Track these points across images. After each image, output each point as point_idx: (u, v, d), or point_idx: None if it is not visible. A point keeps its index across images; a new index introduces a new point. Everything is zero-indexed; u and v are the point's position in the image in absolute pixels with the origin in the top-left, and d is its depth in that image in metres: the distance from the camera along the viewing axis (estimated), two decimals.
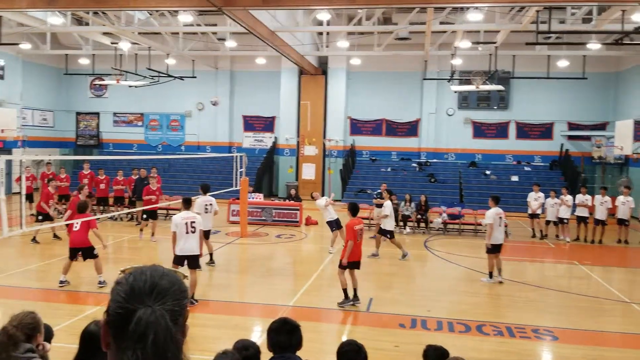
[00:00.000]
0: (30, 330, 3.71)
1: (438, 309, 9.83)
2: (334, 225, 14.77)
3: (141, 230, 16.15)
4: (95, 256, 10.65)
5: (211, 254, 12.85)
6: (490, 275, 11.92)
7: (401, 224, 18.65)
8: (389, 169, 27.14)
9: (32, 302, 9.43)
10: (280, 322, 3.81)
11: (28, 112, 28.06)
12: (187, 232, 9.67)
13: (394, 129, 28.22)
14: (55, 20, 20.28)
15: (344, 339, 8.39)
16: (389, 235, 14.01)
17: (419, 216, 18.70)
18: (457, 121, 27.75)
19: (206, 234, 12.45)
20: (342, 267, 9.84)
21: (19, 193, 15.43)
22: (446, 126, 27.81)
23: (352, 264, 9.87)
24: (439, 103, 27.68)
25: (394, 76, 27.58)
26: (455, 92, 25.26)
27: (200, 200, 12.70)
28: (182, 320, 1.40)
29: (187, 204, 10.28)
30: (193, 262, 9.79)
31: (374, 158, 28.16)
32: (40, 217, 14.78)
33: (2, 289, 10.35)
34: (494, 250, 11.84)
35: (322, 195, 15.01)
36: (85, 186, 14.40)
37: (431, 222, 18.70)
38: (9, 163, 19.81)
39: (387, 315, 9.53)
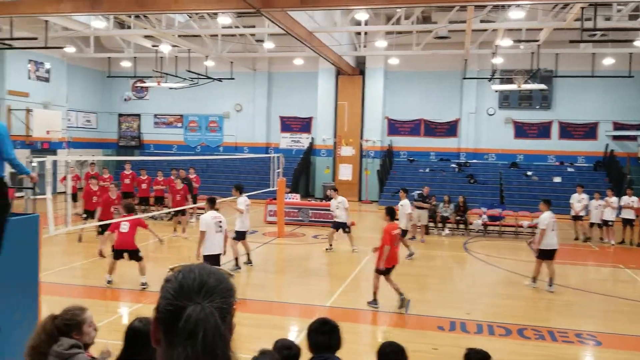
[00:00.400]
0: (66, 327, 3.74)
1: (478, 312, 9.66)
2: (338, 225, 14.76)
3: (175, 230, 16.61)
4: (140, 258, 10.65)
5: (248, 254, 12.90)
6: (534, 279, 11.52)
7: (440, 225, 18.43)
8: (427, 170, 26.84)
9: (75, 298, 9.65)
10: (319, 323, 3.79)
11: (72, 114, 28.83)
12: (216, 232, 9.78)
13: (432, 129, 27.90)
14: (99, 24, 20.76)
15: (382, 340, 8.34)
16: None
17: (458, 217, 18.42)
18: (497, 121, 27.26)
19: (242, 235, 12.51)
20: (378, 271, 9.69)
21: (64, 193, 15.87)
22: (486, 126, 27.35)
23: (388, 269, 9.71)
24: (479, 103, 27.25)
25: (433, 75, 27.28)
26: (496, 91, 24.83)
27: (242, 200, 12.73)
28: (230, 318, 1.42)
29: (212, 203, 10.35)
30: (217, 261, 9.91)
31: (412, 159, 27.91)
32: (84, 216, 15.17)
33: (48, 285, 10.62)
34: (546, 255, 11.29)
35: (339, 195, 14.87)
36: (113, 185, 15.03)
37: (470, 223, 18.39)
38: (54, 163, 20.36)
39: (425, 317, 9.41)
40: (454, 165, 26.88)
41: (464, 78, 26.38)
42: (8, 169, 6.17)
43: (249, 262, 12.82)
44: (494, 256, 14.90)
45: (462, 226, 18.48)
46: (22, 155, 6.90)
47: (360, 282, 12.21)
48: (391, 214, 9.99)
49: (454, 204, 18.56)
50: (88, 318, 3.86)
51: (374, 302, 9.74)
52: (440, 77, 27.28)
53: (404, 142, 28.19)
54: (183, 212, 16.65)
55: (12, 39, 19.31)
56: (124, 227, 10.47)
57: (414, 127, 28.13)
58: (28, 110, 24.77)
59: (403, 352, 3.88)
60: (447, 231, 18.34)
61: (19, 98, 24.71)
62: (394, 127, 28.33)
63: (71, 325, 3.74)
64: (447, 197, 18.58)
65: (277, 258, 14.25)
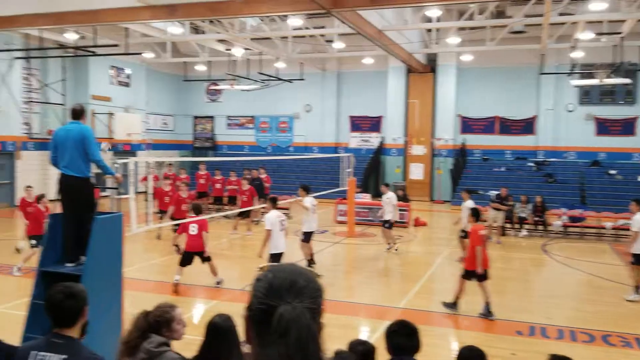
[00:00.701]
0: (157, 323, 3.87)
1: (559, 317, 9.26)
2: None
3: (235, 227, 17.04)
4: (209, 259, 10.64)
5: (312, 255, 12.77)
6: (637, 289, 10.43)
7: (517, 226, 17.84)
8: (502, 169, 26.05)
9: (154, 294, 10.02)
10: (399, 324, 3.75)
11: (151, 117, 30.00)
12: (280, 230, 9.86)
13: (507, 126, 27.05)
14: (175, 30, 21.50)
15: (457, 344, 8.15)
16: (462, 234, 13.66)
17: (536, 218, 17.76)
18: (577, 118, 26.09)
19: (309, 236, 12.27)
20: (465, 277, 9.28)
21: (144, 192, 16.53)
22: (565, 123, 26.22)
23: (470, 273, 9.27)
24: (557, 99, 26.18)
25: (508, 71, 26.45)
26: (576, 86, 23.77)
27: (309, 200, 12.52)
28: (319, 318, 1.44)
29: (275, 202, 10.40)
30: (280, 260, 9.97)
31: (486, 157, 27.17)
32: (160, 215, 15.74)
33: (130, 281, 11.07)
34: None
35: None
36: (184, 184, 15.39)
37: (549, 224, 17.68)
38: (135, 165, 21.24)
39: (503, 321, 9.11)
40: (531, 164, 25.94)
41: (541, 73, 25.37)
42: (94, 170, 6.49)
43: (311, 263, 12.74)
44: (575, 259, 14.26)
45: (540, 227, 17.81)
46: (105, 157, 7.23)
47: (434, 284, 12.02)
48: (476, 214, 9.66)
49: (532, 204, 17.92)
50: (177, 315, 3.99)
51: (452, 305, 9.38)
52: (516, 73, 26.40)
53: (477, 140, 27.49)
54: (247, 214, 16.93)
55: (95, 46, 20.31)
56: (193, 230, 10.42)
57: (488, 125, 27.37)
58: (110, 114, 26.00)
59: (484, 357, 3.76)
60: (524, 232, 17.73)
61: (101, 102, 25.97)
62: (467, 125, 27.67)
63: (162, 322, 3.87)
64: (524, 197, 17.96)
65: (347, 258, 14.24)
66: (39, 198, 12.09)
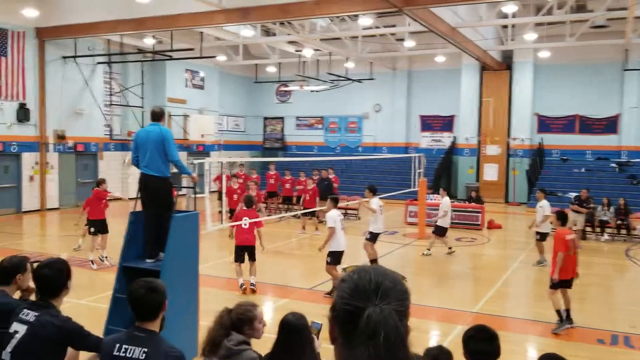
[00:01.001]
0: (239, 321, 3.95)
1: (635, 325, 8.74)
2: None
3: (303, 227, 17.24)
4: (255, 258, 10.41)
5: (376, 259, 12.60)
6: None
7: (598, 230, 17.02)
8: (582, 170, 24.90)
9: (226, 291, 10.25)
10: (478, 330, 3.64)
11: (223, 119, 30.75)
12: (341, 229, 9.87)
13: (588, 125, 25.84)
14: (247, 32, 21.95)
15: (534, 351, 7.85)
16: (538, 237, 13.18)
17: (619, 222, 16.88)
18: None
19: (376, 237, 11.90)
20: (554, 286, 8.55)
21: (216, 192, 16.97)
22: None
23: (563, 281, 8.55)
24: None
25: (589, 68, 25.26)
26: None
27: (375, 202, 11.96)
28: (405, 321, 1.42)
29: (336, 202, 10.30)
30: (340, 258, 9.98)
31: (565, 157, 26.05)
32: (229, 214, 16.07)
33: (205, 278, 11.38)
34: None
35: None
36: (253, 182, 15.67)
37: (634, 228, 16.75)
38: (209, 165, 21.87)
39: (583, 329, 8.70)
40: (613, 165, 24.65)
41: (625, 70, 24.16)
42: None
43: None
44: None
45: (623, 231, 16.91)
46: (182, 157, 7.48)
47: (509, 288, 11.66)
48: (562, 218, 9.00)
49: (614, 207, 17.03)
50: (259, 314, 4.06)
51: (560, 324, 8.47)
52: (597, 70, 25.18)
53: (556, 140, 26.41)
54: (314, 214, 17.04)
55: (172, 50, 21.06)
56: (245, 224, 10.20)
57: (567, 124, 26.25)
58: (185, 116, 26.86)
59: None
60: (606, 236, 16.88)
61: (177, 105, 26.89)
62: (545, 124, 26.65)
63: (244, 320, 3.95)
64: (606, 200, 17.10)
65: (418, 260, 14.02)
66: (98, 183, 12.71)
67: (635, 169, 24.15)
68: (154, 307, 3.27)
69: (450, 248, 14.21)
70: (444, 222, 14.18)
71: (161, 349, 3.19)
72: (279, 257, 13.73)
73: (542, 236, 13.14)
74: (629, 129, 25.01)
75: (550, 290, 8.61)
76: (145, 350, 3.16)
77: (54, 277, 3.58)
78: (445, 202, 14.34)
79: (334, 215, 9.93)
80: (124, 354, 3.18)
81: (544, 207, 13.13)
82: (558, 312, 8.51)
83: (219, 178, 17.10)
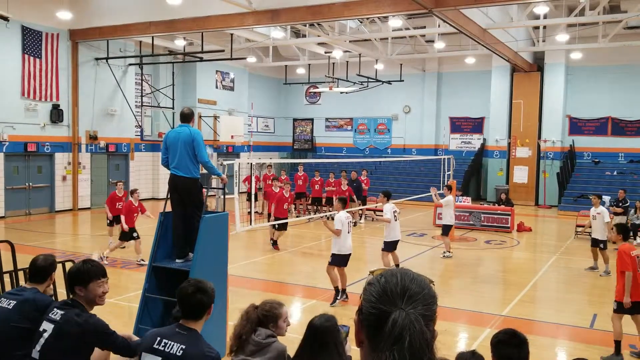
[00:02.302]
0: (264, 317, 4.02)
1: None
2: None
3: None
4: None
5: (397, 265, 12.51)
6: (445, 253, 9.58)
7: (631, 234, 16.64)
8: (615, 173, 24.40)
9: (254, 291, 10.32)
10: (508, 334, 3.60)
11: (253, 120, 30.99)
12: (348, 232, 9.72)
13: (621, 127, 25.29)
14: (277, 34, 22.07)
15: (564, 356, 7.72)
16: (602, 245, 12.57)
17: None
18: None
19: (391, 245, 11.49)
20: (619, 310, 7.41)
21: (245, 192, 17.09)
22: None
23: (636, 305, 7.34)
24: None
25: (622, 69, 24.72)
26: None
27: (389, 208, 11.57)
28: (432, 325, 1.42)
29: (344, 203, 10.18)
30: (345, 262, 9.83)
31: (597, 160, 25.55)
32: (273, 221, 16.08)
33: (233, 278, 11.49)
34: None
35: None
36: (288, 184, 15.47)
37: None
38: (238, 165, 22.05)
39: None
40: None
41: None
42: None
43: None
44: None
45: None
46: (211, 158, 7.55)
47: (539, 292, 11.50)
48: (624, 232, 8.02)
49: None
50: (284, 313, 4.12)
51: (616, 357, 7.42)
52: (631, 71, 24.62)
53: (587, 142, 25.92)
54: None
55: (202, 52, 21.30)
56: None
57: (599, 126, 25.73)
58: (215, 117, 27.14)
59: None
60: (638, 240, 16.51)
61: (207, 106, 27.19)
62: (577, 126, 26.18)
63: (270, 316, 4.03)
64: (639, 203, 16.72)
65: (446, 262, 13.90)
66: (131, 193, 13.05)
67: None
68: (199, 307, 3.35)
69: (448, 251, 13.91)
70: (447, 220, 13.92)
71: (199, 348, 3.26)
72: (308, 257, 13.78)
73: (604, 244, 12.59)
74: None
75: (614, 314, 7.50)
76: (183, 347, 3.24)
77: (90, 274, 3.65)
78: (446, 200, 14.07)
79: (341, 217, 9.67)
80: (162, 348, 3.27)
81: (603, 213, 12.72)
82: (617, 343, 7.41)
83: (248, 179, 17.22)
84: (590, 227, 13.19)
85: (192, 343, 3.27)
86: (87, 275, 3.58)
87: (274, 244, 14.38)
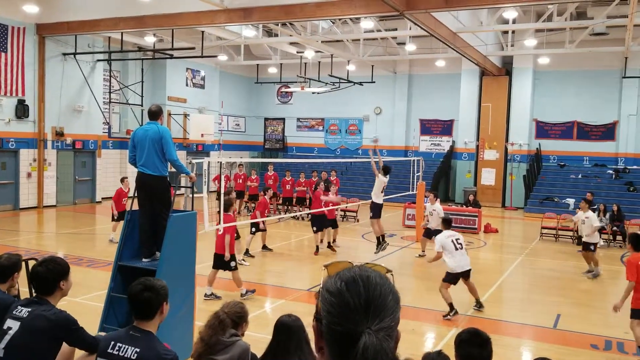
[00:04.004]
0: (238, 319, 4.04)
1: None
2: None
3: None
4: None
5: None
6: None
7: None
8: (579, 176, 24.98)
9: (222, 291, 10.25)
10: (471, 333, 3.64)
11: (223, 118, 30.76)
12: (456, 249, 9.48)
13: (586, 132, 25.91)
14: (249, 32, 21.97)
15: (528, 355, 7.87)
16: (592, 248, 12.81)
17: (614, 228, 16.91)
18: None
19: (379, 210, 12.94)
20: (633, 316, 7.60)
21: (215, 191, 16.96)
22: None
23: (635, 312, 7.61)
24: None
25: (588, 75, 25.34)
26: None
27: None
28: (396, 332, 1.37)
29: (447, 224, 10.12)
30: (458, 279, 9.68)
31: (562, 163, 26.13)
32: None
33: (201, 277, 11.38)
34: None
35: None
36: (270, 188, 15.20)
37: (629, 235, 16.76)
38: (208, 164, 21.87)
39: (577, 334, 8.75)
40: (610, 172, 24.73)
41: (624, 77, 24.25)
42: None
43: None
44: None
45: (618, 237, 16.95)
46: (180, 156, 7.48)
47: (504, 293, 11.69)
48: (636, 242, 7.81)
49: (609, 213, 17.08)
50: (248, 311, 4.20)
51: None
52: (596, 77, 25.26)
53: (553, 146, 26.49)
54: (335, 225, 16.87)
55: (172, 49, 21.07)
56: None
57: (565, 130, 26.32)
58: (185, 115, 26.88)
59: None
60: (601, 242, 16.89)
61: (177, 104, 26.91)
62: (543, 130, 26.73)
63: (242, 317, 4.07)
64: (602, 206, 17.15)
65: (415, 262, 14.04)
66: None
67: (632, 176, 24.23)
68: (147, 305, 3.27)
69: (422, 252, 14.23)
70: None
71: (154, 351, 3.18)
72: (277, 257, 13.75)
73: (594, 247, 12.82)
74: (627, 136, 25.08)
75: (632, 320, 7.63)
76: (138, 350, 3.16)
77: (49, 275, 3.60)
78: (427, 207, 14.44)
79: (440, 239, 9.64)
80: (117, 352, 3.19)
81: (591, 218, 12.91)
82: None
83: (217, 178, 17.08)
84: (577, 230, 13.34)
85: (147, 345, 3.19)
86: (68, 268, 3.72)
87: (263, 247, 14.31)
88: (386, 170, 13.69)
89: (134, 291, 3.29)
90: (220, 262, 9.63)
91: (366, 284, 1.35)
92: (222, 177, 14.11)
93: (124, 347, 3.19)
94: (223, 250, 9.60)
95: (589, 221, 12.88)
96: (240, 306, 4.14)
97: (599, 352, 8.02)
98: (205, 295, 9.58)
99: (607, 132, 25.59)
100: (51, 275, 3.59)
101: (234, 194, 13.21)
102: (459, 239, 9.50)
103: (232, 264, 9.63)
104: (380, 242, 13.52)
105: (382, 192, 13.60)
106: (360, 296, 1.33)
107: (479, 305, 9.62)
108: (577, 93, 25.82)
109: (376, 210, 13.54)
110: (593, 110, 25.62)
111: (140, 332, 3.25)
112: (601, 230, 16.92)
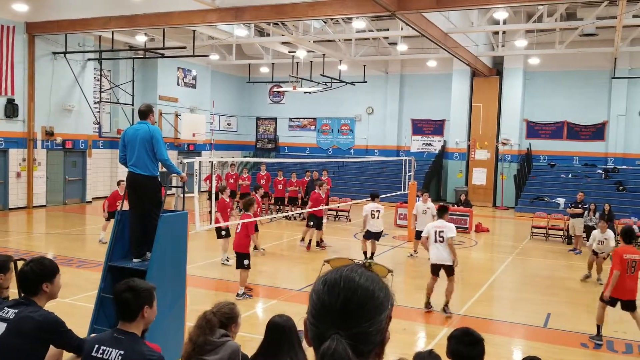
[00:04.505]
0: (227, 320, 4.02)
1: (628, 330, 8.82)
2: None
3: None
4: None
5: (373, 254, 13.12)
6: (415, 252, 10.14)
7: (584, 234, 17.14)
8: (569, 176, 25.14)
9: (214, 292, 10.23)
10: (462, 332, 3.67)
11: (215, 118, 30.70)
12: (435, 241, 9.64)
13: (576, 132, 26.08)
14: (241, 32, 21.93)
15: (519, 354, 7.91)
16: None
17: None
18: None
19: (377, 236, 12.89)
20: (602, 300, 8.31)
21: (206, 191, 16.92)
22: (638, 129, 25.03)
23: (614, 300, 8.20)
24: (630, 104, 25.01)
25: (578, 75, 25.50)
26: None
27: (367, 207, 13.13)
28: (379, 336, 1.34)
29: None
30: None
31: (552, 163, 26.29)
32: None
33: (192, 278, 11.35)
34: None
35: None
36: (261, 187, 15.19)
37: (618, 234, 16.86)
38: (200, 164, 21.79)
39: (568, 332, 8.81)
40: (600, 171, 24.91)
41: (613, 77, 24.44)
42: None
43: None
44: None
45: None
46: (171, 156, 7.45)
47: (496, 291, 11.75)
48: (626, 235, 8.36)
49: (599, 213, 17.17)
50: (239, 312, 4.16)
51: (596, 337, 8.37)
52: (586, 77, 25.43)
53: (544, 146, 26.64)
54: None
55: (164, 48, 20.99)
56: (238, 228, 10.05)
57: (555, 130, 26.48)
58: (176, 115, 26.79)
59: None
60: (589, 242, 16.98)
61: (168, 103, 26.80)
62: (534, 130, 26.87)
63: (231, 318, 4.04)
64: (592, 206, 17.21)
65: (407, 262, 14.08)
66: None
67: (621, 175, 24.42)
68: (131, 307, 3.22)
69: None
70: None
71: (138, 352, 3.13)
72: (269, 257, 13.73)
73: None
74: (616, 136, 25.26)
75: (600, 303, 8.36)
76: (122, 352, 3.12)
77: (32, 276, 3.55)
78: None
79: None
80: (101, 355, 3.15)
81: (609, 239, 12.69)
82: (598, 326, 8.36)
83: (209, 177, 17.04)
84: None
85: (131, 347, 3.15)
86: (57, 268, 3.64)
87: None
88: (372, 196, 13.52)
89: (116, 290, 3.28)
90: (240, 261, 9.90)
91: (346, 287, 1.33)
92: (214, 176, 14.08)
93: (108, 350, 3.15)
94: (242, 249, 9.84)
95: (607, 242, 12.32)
96: (229, 307, 4.10)
97: (588, 350, 8.07)
98: (238, 295, 9.79)
99: (597, 132, 25.77)
100: (34, 276, 3.52)
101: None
102: (442, 231, 9.50)
103: (246, 262, 9.83)
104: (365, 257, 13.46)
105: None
106: (337, 299, 1.31)
107: (445, 309, 9.47)
108: (567, 93, 25.98)
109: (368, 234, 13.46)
110: (583, 111, 25.79)
111: (124, 334, 3.21)
112: (591, 230, 17.04)
